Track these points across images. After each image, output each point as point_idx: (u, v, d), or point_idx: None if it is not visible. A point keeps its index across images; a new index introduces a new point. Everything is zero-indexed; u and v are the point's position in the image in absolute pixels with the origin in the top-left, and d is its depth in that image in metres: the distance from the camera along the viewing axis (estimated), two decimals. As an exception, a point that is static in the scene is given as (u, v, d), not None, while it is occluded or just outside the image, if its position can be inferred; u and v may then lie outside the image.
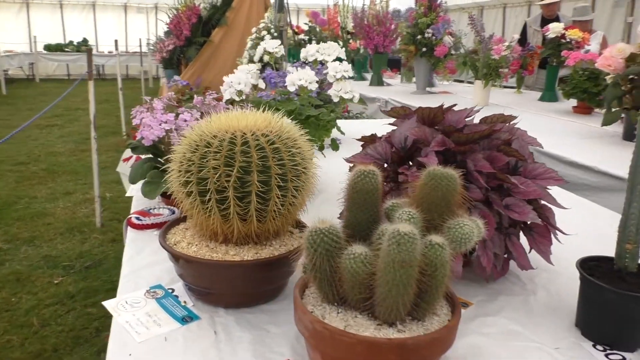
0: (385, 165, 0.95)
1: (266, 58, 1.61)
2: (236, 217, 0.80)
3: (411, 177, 0.85)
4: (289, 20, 3.61)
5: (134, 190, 1.35)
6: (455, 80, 5.10)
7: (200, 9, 5.00)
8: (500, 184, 0.88)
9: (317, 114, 1.33)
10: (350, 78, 1.30)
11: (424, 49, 3.70)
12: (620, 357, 0.75)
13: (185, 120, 1.10)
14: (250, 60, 3.09)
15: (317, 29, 5.32)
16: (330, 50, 1.36)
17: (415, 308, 0.63)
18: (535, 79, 4.33)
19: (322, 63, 1.37)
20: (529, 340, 0.78)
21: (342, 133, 1.49)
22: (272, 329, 0.79)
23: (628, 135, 2.33)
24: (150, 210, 1.18)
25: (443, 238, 0.60)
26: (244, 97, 1.29)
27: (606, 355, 0.75)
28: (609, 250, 0.82)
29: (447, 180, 0.66)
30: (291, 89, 1.19)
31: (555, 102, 3.56)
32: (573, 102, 3.19)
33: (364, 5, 4.68)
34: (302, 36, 5.16)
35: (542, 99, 3.64)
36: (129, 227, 1.14)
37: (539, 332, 0.80)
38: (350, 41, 5.28)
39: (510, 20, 10.09)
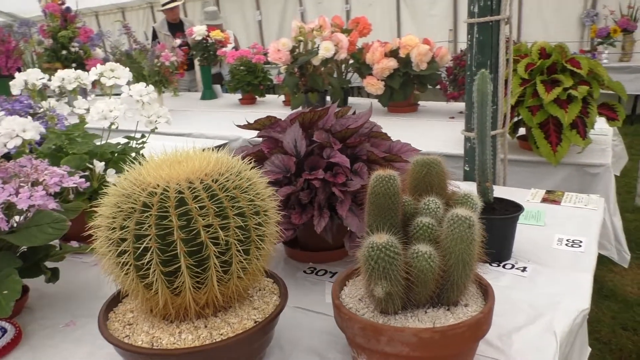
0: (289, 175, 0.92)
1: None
2: (190, 289, 0.62)
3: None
4: None
5: None
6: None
7: None
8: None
9: (123, 148, 1.12)
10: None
11: (74, 65, 3.34)
12: (521, 267, 1.00)
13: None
14: None
15: None
16: (122, 73, 1.12)
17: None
18: (190, 81, 4.52)
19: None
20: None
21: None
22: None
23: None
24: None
25: (468, 210, 0.68)
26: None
27: (503, 266, 0.99)
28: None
29: (437, 165, 0.73)
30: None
31: (217, 99, 3.83)
32: (235, 95, 3.53)
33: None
34: None
35: (203, 97, 3.85)
36: None
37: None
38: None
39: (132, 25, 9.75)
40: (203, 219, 0.60)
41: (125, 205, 0.61)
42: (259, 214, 0.65)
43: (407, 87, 2.72)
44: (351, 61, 2.96)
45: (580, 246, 1.08)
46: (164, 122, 1.10)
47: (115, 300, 0.74)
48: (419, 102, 2.95)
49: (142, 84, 1.09)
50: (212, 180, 0.62)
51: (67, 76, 1.14)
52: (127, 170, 0.66)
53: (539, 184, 1.76)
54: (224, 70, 4.43)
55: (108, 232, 0.62)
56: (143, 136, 1.15)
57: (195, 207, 0.60)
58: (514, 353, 0.73)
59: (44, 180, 0.83)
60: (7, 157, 0.96)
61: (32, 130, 0.95)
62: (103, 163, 1.02)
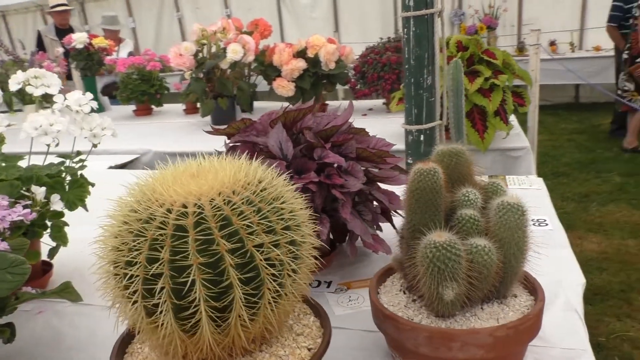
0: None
1: None
2: (246, 321, 0.50)
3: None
4: None
5: None
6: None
7: None
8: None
9: (58, 170, 0.94)
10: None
11: None
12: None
13: None
14: None
15: None
16: (51, 80, 0.91)
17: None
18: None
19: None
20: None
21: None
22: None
23: (214, 121, 2.62)
24: None
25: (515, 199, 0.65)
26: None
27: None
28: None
29: (463, 154, 0.69)
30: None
31: (105, 112, 3.51)
32: (128, 107, 3.26)
33: None
34: None
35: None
36: None
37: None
38: None
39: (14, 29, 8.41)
40: (253, 238, 0.50)
41: (151, 230, 0.49)
42: (299, 226, 0.56)
43: (317, 87, 2.70)
44: (254, 64, 2.87)
45: (547, 224, 1.12)
46: (110, 134, 0.94)
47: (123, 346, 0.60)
48: (327, 102, 2.95)
49: (77, 92, 0.92)
50: (252, 193, 0.52)
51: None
52: (136, 187, 0.54)
53: (468, 171, 1.83)
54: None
55: (131, 268, 0.49)
56: (79, 153, 0.98)
57: (243, 226, 0.49)
58: (549, 337, 0.72)
59: (-10, 214, 0.66)
60: None
61: (-48, 154, 0.75)
62: (44, 188, 0.85)
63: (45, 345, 0.79)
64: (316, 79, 2.67)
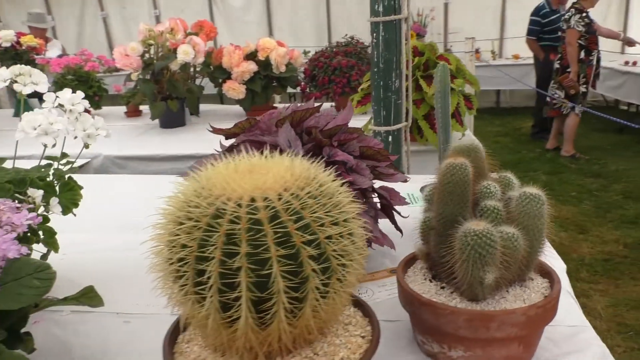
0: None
1: None
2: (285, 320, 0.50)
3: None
4: None
5: None
6: None
7: None
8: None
9: (45, 175, 0.89)
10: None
11: None
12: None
13: None
14: None
15: None
16: (39, 77, 0.84)
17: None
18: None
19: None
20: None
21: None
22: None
23: (163, 123, 2.55)
24: None
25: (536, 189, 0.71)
26: None
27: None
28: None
29: (479, 150, 0.74)
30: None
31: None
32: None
33: None
34: None
35: (17, 114, 3.27)
36: None
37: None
38: None
39: None
40: (324, 229, 0.51)
41: (224, 225, 0.49)
42: (347, 221, 0.58)
43: (268, 89, 2.70)
44: (199, 67, 2.82)
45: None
46: (104, 135, 0.90)
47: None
48: (276, 105, 2.96)
49: (68, 91, 0.88)
50: (313, 188, 0.54)
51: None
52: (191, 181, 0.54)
53: (425, 169, 1.92)
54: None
55: (205, 264, 0.49)
56: (65, 155, 0.93)
57: (315, 218, 0.51)
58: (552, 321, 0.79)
59: (9, 218, 0.62)
60: None
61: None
62: (41, 192, 0.80)
63: (55, 357, 0.75)
64: (267, 82, 2.67)
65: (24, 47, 3.15)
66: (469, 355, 0.65)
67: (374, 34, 1.52)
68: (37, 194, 0.79)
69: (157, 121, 2.56)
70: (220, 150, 0.96)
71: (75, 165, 0.93)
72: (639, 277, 2.38)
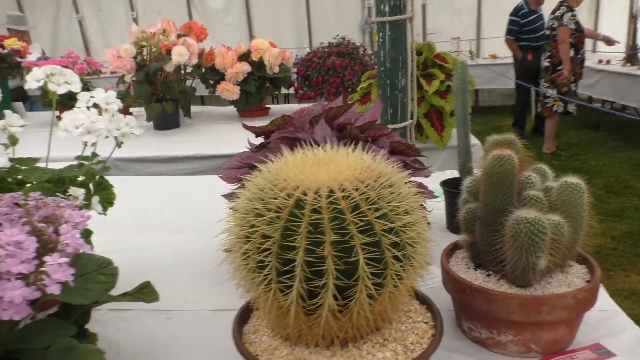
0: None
1: None
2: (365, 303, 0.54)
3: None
4: None
5: None
6: None
7: None
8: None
9: (84, 172, 0.89)
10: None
11: None
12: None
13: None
14: None
15: None
16: (72, 77, 0.83)
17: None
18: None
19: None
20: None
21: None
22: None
23: (158, 125, 2.54)
24: None
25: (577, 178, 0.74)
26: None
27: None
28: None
29: (516, 142, 0.77)
30: None
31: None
32: (47, 113, 3.04)
33: None
34: None
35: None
36: None
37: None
38: None
39: None
40: (400, 217, 0.53)
41: (306, 215, 0.51)
42: (409, 213, 0.60)
43: (261, 90, 2.71)
44: (190, 68, 2.81)
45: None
46: (138, 133, 0.90)
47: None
48: (268, 106, 2.97)
49: (101, 90, 0.88)
50: (384, 179, 0.56)
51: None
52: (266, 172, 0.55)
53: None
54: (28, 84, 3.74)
55: (290, 253, 0.51)
56: (96, 155, 0.93)
57: (393, 207, 0.53)
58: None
59: (70, 215, 0.62)
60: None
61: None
62: (83, 190, 0.80)
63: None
64: (261, 83, 2.68)
65: (7, 50, 3.09)
66: (519, 339, 0.68)
67: (380, 34, 1.55)
68: (78, 192, 0.79)
69: (150, 123, 2.54)
70: (250, 147, 0.97)
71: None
72: (629, 269, 2.47)
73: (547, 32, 4.59)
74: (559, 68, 4.41)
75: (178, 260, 1.04)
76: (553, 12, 4.48)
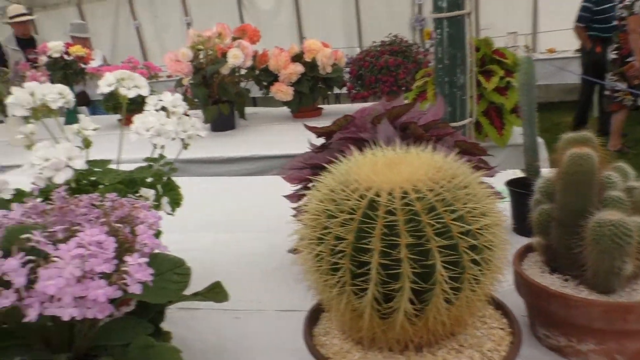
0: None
1: None
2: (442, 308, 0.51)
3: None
4: None
5: None
6: None
7: None
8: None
9: (155, 173, 0.92)
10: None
11: None
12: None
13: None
14: None
15: None
16: (141, 81, 0.88)
17: None
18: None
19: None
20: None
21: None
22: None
23: (214, 127, 2.59)
24: None
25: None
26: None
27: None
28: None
29: (594, 139, 0.73)
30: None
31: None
32: (113, 116, 3.17)
33: None
34: None
35: (68, 122, 3.36)
36: None
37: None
38: None
39: None
40: (477, 219, 0.52)
41: (380, 216, 0.50)
42: (485, 215, 0.58)
43: (315, 91, 2.71)
44: (243, 71, 2.85)
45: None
46: (203, 135, 0.92)
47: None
48: (321, 106, 2.97)
49: (168, 93, 0.90)
50: (458, 181, 0.54)
51: (48, 92, 0.88)
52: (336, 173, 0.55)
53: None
54: (90, 88, 3.93)
55: (364, 256, 0.50)
56: (162, 157, 0.95)
57: (470, 209, 0.51)
58: None
59: (145, 216, 0.64)
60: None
61: (79, 158, 0.72)
62: (153, 191, 0.82)
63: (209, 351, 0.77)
64: (314, 83, 2.69)
65: (72, 57, 3.24)
66: (601, 349, 0.64)
67: (438, 30, 1.52)
68: (149, 193, 0.81)
69: (207, 125, 2.60)
70: (311, 148, 0.97)
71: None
72: None
73: (616, 22, 4.33)
74: (628, 60, 4.15)
75: (243, 260, 1.06)
76: (622, 1, 4.20)
